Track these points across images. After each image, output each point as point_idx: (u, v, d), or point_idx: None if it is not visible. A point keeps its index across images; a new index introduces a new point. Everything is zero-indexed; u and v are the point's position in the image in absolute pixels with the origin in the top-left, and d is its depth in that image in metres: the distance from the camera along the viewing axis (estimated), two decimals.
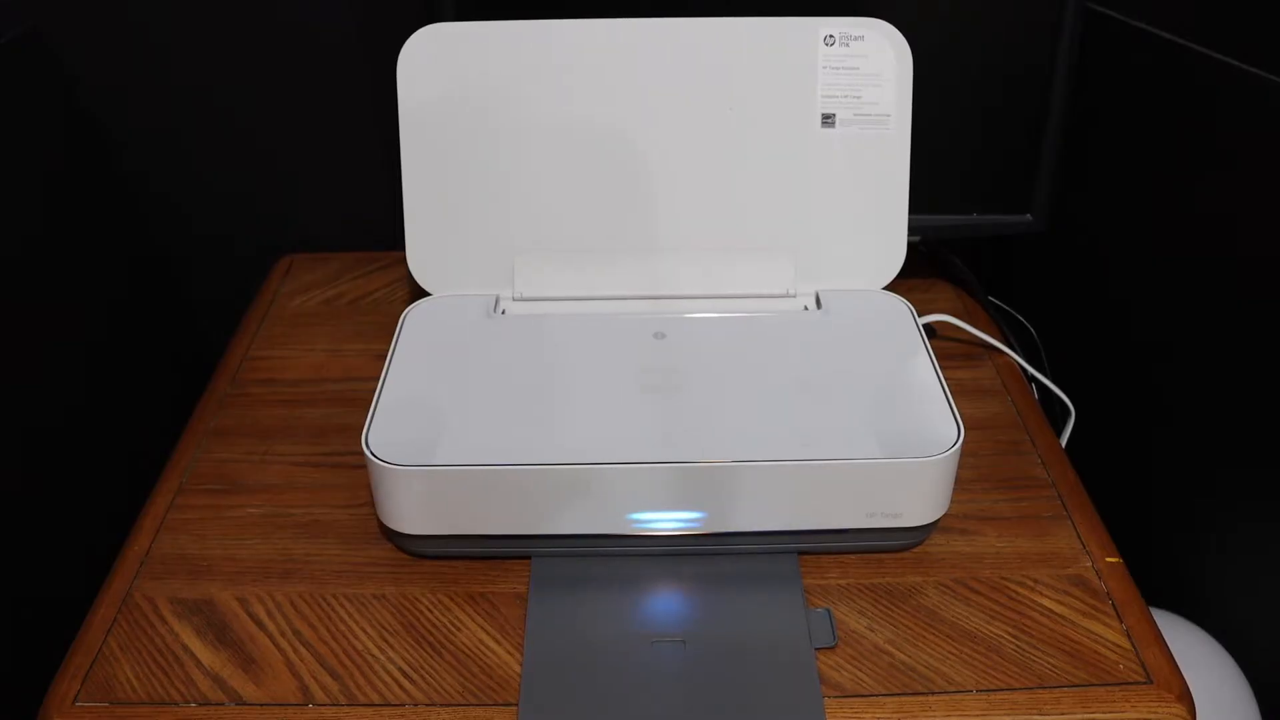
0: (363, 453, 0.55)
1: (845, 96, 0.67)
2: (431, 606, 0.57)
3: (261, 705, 0.52)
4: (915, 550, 0.60)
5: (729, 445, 0.56)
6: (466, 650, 0.55)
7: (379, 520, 0.59)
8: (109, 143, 0.87)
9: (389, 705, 0.52)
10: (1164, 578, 0.77)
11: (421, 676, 0.53)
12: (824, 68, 0.67)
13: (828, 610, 0.56)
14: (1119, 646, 0.54)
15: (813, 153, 0.68)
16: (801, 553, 0.59)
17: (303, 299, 0.84)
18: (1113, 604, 0.56)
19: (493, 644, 0.55)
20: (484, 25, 0.66)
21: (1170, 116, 0.75)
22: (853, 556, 0.59)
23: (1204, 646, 0.73)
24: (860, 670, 0.53)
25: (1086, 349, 0.88)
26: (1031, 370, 0.76)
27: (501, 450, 0.56)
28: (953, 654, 0.54)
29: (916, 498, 0.56)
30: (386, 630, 0.56)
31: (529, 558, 0.59)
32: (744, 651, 0.53)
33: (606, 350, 0.63)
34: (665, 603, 0.56)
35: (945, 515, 0.58)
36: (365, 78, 0.85)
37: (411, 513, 0.56)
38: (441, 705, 0.52)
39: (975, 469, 0.65)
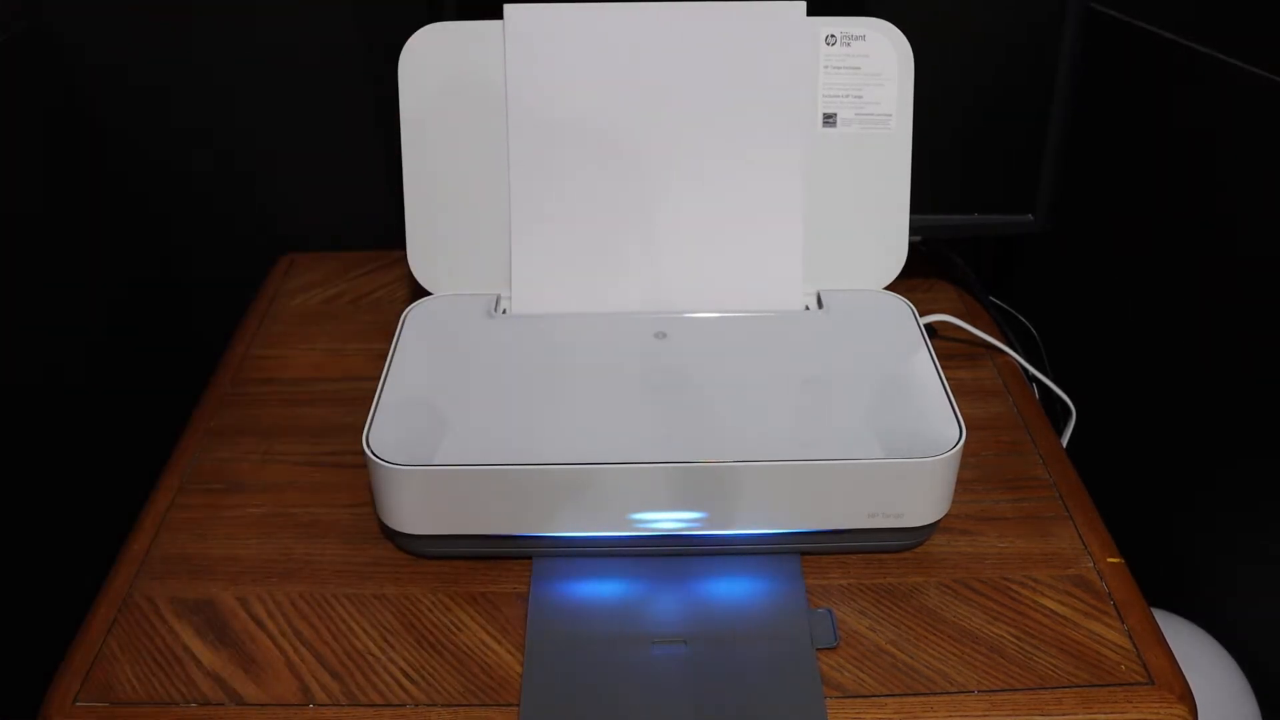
0: (363, 452, 0.55)
1: (846, 96, 0.67)
2: (432, 606, 0.57)
3: (262, 705, 0.52)
4: (917, 550, 0.60)
5: (730, 445, 0.56)
6: (467, 650, 0.55)
7: (379, 520, 0.59)
8: (111, 140, 0.87)
9: (390, 705, 0.52)
10: (1164, 578, 0.77)
11: (422, 677, 0.53)
12: (825, 67, 0.67)
13: (829, 610, 0.56)
14: (1120, 647, 0.54)
15: (814, 152, 0.68)
16: (803, 553, 0.59)
17: (303, 298, 0.83)
18: (1114, 604, 0.56)
19: (493, 644, 0.55)
20: (485, 24, 0.66)
21: (1170, 116, 0.75)
22: (854, 557, 0.59)
23: (1204, 646, 0.73)
24: (862, 671, 0.53)
25: (1088, 349, 0.88)
26: (1033, 370, 0.76)
27: (502, 450, 0.55)
28: (954, 654, 0.54)
29: (918, 498, 0.56)
30: (387, 630, 0.56)
31: (530, 558, 0.59)
32: (745, 652, 0.53)
33: (607, 349, 0.63)
34: (666, 603, 0.56)
35: (947, 515, 0.58)
36: (366, 77, 0.85)
37: (412, 512, 0.56)
38: (442, 705, 0.52)
39: (976, 469, 0.65)
